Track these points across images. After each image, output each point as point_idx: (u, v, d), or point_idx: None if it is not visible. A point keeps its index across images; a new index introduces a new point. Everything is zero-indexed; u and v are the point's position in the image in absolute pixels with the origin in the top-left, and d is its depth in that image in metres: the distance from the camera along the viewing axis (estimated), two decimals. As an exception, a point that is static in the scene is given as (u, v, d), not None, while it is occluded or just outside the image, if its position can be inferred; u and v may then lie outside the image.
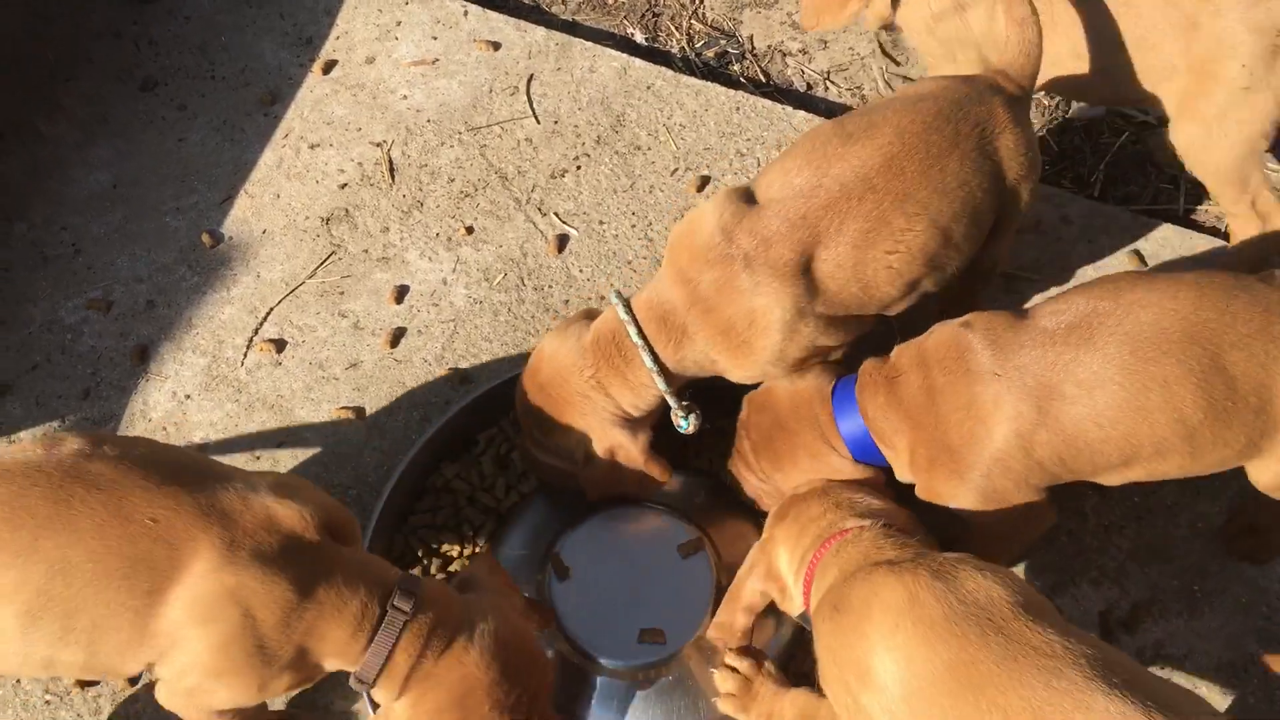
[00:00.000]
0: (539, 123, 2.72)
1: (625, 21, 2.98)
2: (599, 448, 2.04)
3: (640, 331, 1.97)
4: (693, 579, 2.06)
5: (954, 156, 1.92)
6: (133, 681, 2.13)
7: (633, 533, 2.11)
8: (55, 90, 2.80)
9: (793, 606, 1.84)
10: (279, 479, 1.75)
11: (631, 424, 2.04)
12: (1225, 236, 2.53)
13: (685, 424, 2.05)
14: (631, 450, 2.04)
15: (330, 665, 1.73)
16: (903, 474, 1.93)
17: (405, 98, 2.77)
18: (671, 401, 2.01)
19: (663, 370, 1.98)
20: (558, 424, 2.04)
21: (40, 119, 2.76)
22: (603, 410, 2.02)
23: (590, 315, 2.09)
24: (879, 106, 2.00)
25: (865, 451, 1.95)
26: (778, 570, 1.84)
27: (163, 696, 1.76)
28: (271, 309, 2.50)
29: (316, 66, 2.81)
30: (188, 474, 1.70)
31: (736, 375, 2.01)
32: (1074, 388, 1.76)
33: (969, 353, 1.83)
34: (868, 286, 1.93)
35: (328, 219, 2.61)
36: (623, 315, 1.97)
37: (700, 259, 1.93)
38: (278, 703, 2.07)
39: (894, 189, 1.89)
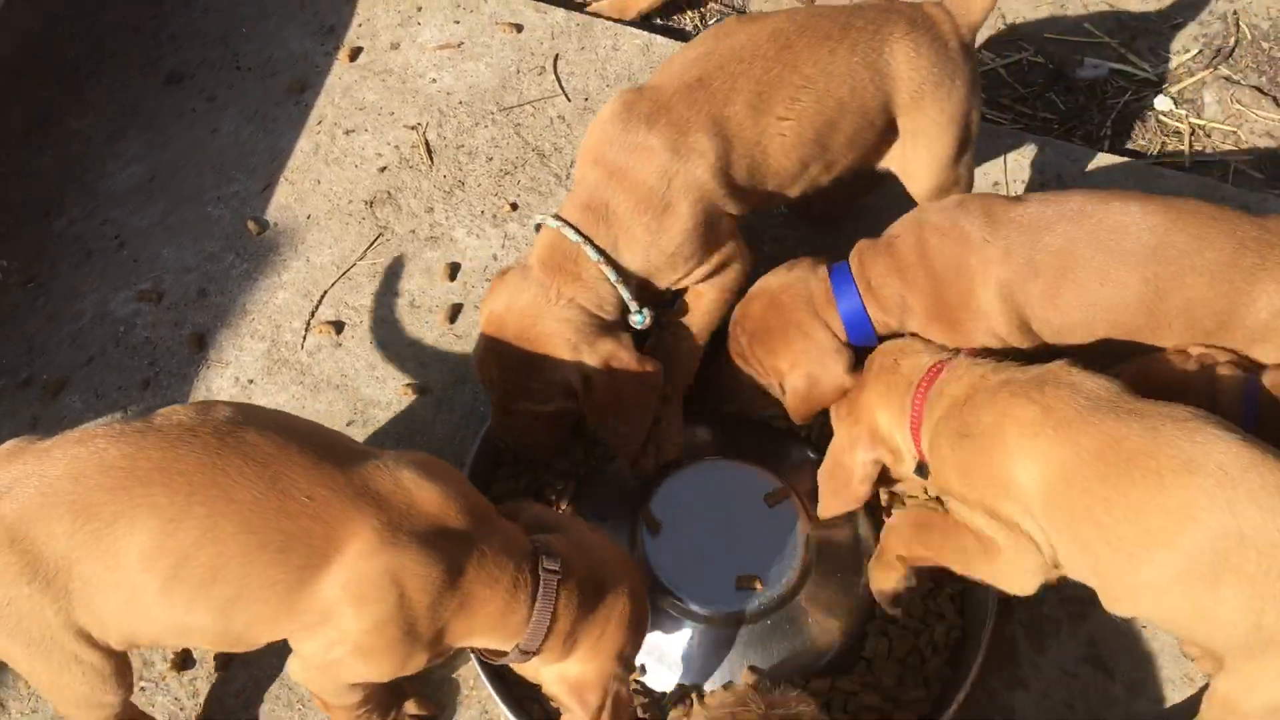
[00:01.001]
0: (569, 100, 2.76)
1: (640, 0, 3.04)
2: (593, 361, 2.03)
3: (575, 229, 2.01)
4: (782, 526, 2.12)
5: (843, 44, 2.06)
6: (223, 665, 2.14)
7: (718, 485, 2.16)
8: (80, 85, 2.78)
9: (906, 465, 1.96)
10: (417, 458, 1.75)
11: (610, 328, 2.07)
12: (1231, 180, 2.67)
13: (640, 319, 2.09)
14: (620, 352, 2.04)
15: (477, 642, 1.74)
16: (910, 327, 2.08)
17: (434, 81, 2.79)
18: (622, 291, 2.05)
19: (606, 258, 2.03)
20: (544, 364, 2.04)
21: (68, 114, 2.74)
22: (581, 324, 2.03)
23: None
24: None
25: (859, 330, 2.08)
26: (881, 432, 1.96)
27: (296, 668, 1.77)
28: (325, 292, 2.51)
29: (343, 54, 2.82)
30: (338, 451, 1.70)
31: (661, 245, 2.05)
32: (1049, 268, 1.94)
33: (965, 221, 1.99)
34: (765, 153, 2.05)
35: (371, 202, 2.63)
36: (553, 224, 2.03)
37: (607, 136, 2.03)
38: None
39: (782, 58, 2.04)
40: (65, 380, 2.41)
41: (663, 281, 2.11)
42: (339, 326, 2.47)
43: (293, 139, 2.71)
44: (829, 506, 2.06)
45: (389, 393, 2.40)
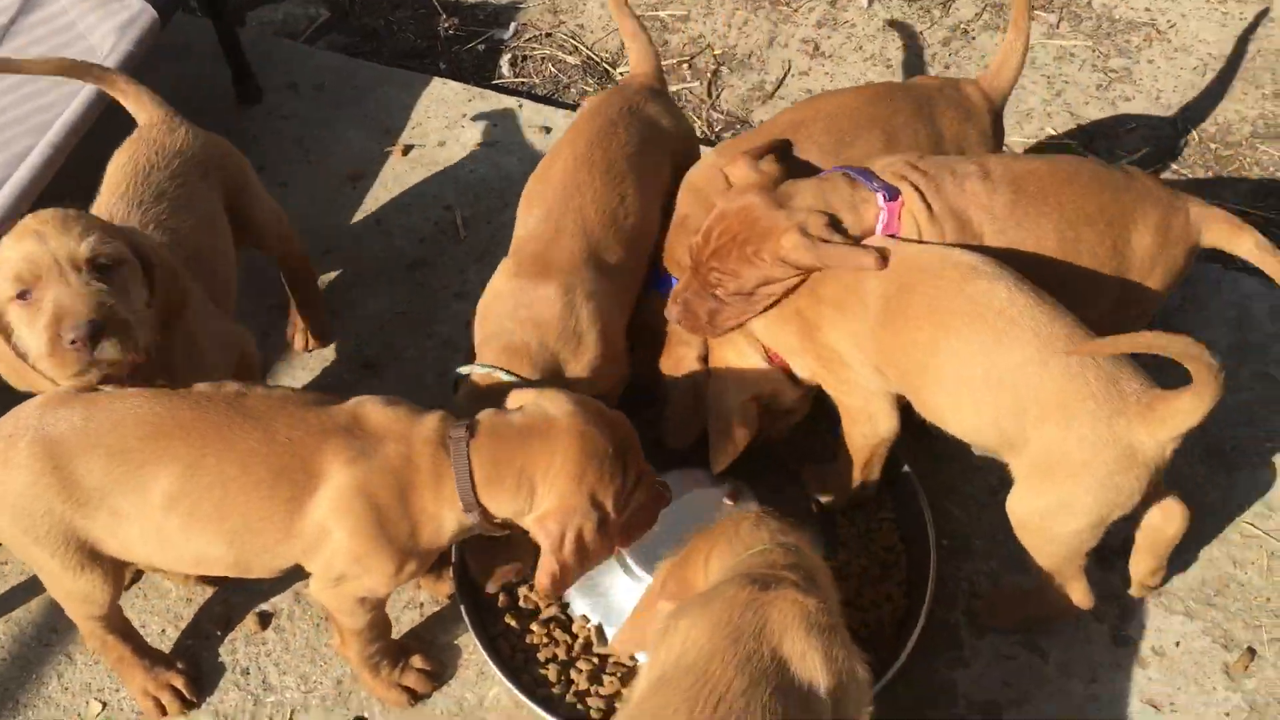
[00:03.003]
0: (587, 186, 3.21)
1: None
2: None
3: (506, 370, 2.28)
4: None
5: (618, 130, 2.51)
6: (263, 622, 2.46)
7: (681, 490, 2.37)
8: (175, 175, 3.30)
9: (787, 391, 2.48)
10: (370, 397, 2.09)
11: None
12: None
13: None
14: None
15: (447, 527, 2.02)
16: None
17: (472, 171, 3.27)
18: None
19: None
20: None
21: (164, 197, 3.24)
22: None
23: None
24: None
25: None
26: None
27: (315, 589, 2.10)
28: (369, 334, 2.93)
29: (396, 150, 3.32)
30: (310, 402, 2.07)
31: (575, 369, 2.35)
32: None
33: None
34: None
35: (411, 266, 3.07)
36: (480, 371, 2.30)
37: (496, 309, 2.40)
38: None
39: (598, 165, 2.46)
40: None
41: None
42: (372, 366, 2.88)
43: (348, 215, 3.18)
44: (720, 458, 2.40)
45: (416, 416, 2.77)
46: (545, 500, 2.01)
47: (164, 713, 2.34)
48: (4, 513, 2.02)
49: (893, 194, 2.24)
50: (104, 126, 2.75)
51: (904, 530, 2.48)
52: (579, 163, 2.46)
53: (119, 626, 2.28)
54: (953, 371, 2.11)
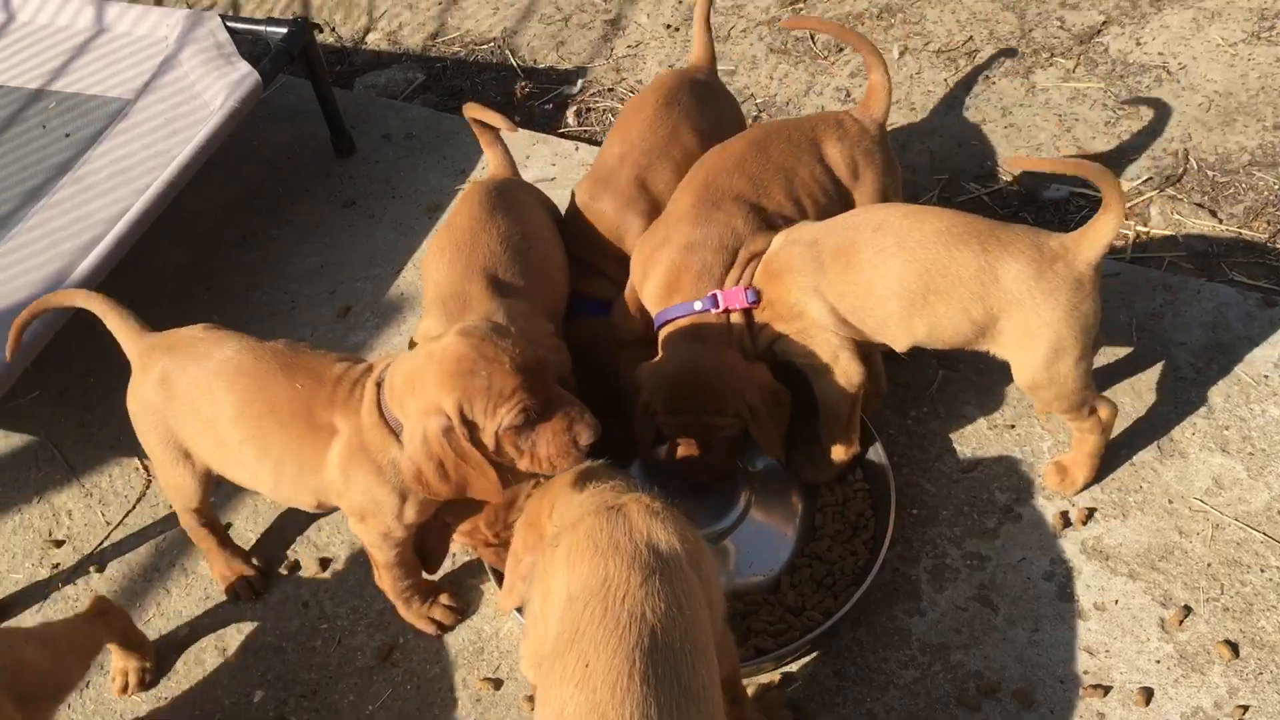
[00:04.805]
0: (629, 215, 3.64)
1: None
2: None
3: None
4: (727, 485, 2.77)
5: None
6: (322, 566, 2.90)
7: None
8: (282, 210, 3.87)
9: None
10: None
11: None
12: (1164, 269, 3.26)
13: None
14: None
15: (395, 454, 2.32)
16: None
17: (531, 203, 3.74)
18: None
19: None
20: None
21: (271, 228, 3.82)
22: None
23: None
24: None
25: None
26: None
27: (351, 526, 2.54)
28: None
29: (467, 186, 3.82)
30: (320, 355, 2.50)
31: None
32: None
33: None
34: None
35: (472, 282, 3.54)
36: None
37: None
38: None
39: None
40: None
41: None
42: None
43: (422, 239, 3.69)
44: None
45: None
46: (413, 408, 2.24)
47: (237, 597, 2.87)
48: (136, 405, 2.59)
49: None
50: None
51: (875, 500, 2.80)
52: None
53: (209, 521, 2.82)
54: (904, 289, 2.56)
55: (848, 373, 2.64)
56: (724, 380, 2.64)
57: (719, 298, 2.67)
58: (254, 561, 2.90)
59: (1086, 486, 2.79)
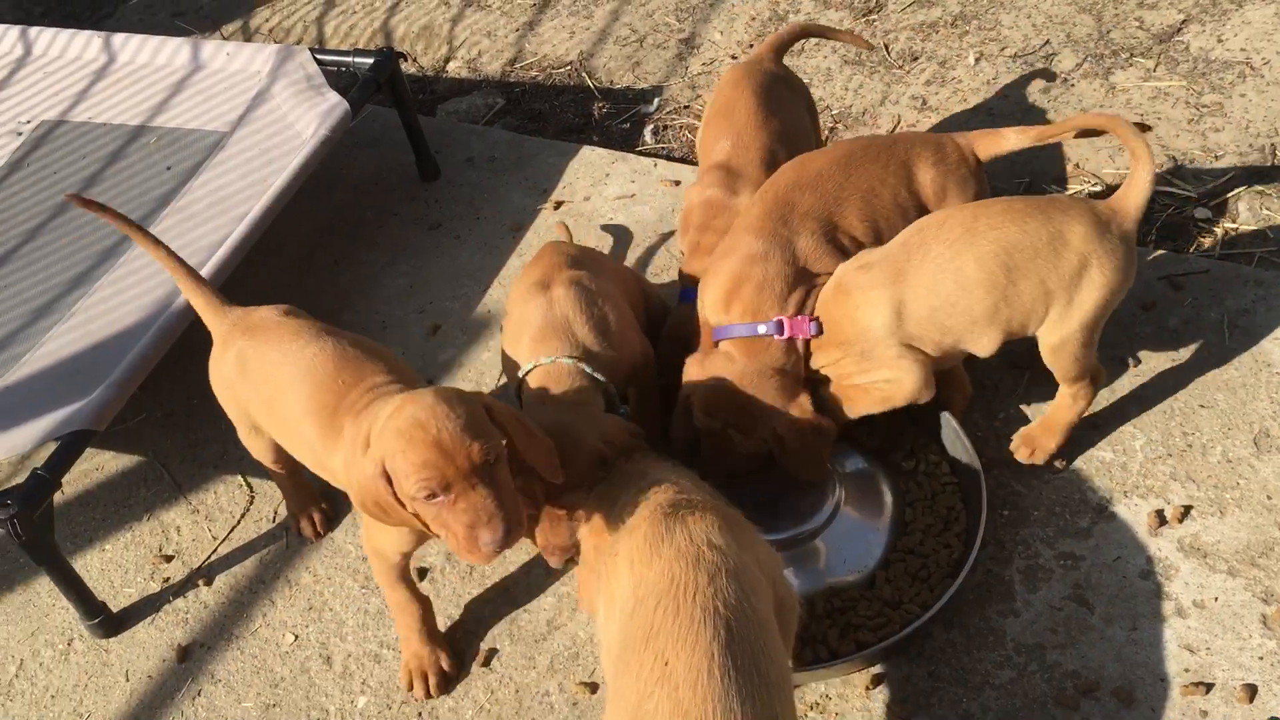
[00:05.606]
0: (709, 228, 3.69)
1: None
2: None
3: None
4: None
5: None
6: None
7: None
8: (371, 234, 3.99)
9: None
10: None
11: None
12: (1255, 265, 3.21)
13: None
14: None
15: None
16: None
17: (612, 219, 3.81)
18: None
19: None
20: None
21: (361, 251, 3.93)
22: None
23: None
24: None
25: None
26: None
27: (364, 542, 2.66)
28: (518, 353, 3.47)
29: (549, 205, 3.91)
30: (372, 361, 2.54)
31: None
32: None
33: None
34: None
35: (557, 298, 3.61)
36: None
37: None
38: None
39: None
40: (338, 410, 3.46)
41: None
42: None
43: (507, 258, 3.77)
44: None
45: (553, 416, 3.28)
46: (371, 445, 2.25)
47: (307, 533, 3.14)
48: (217, 378, 2.74)
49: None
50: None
51: (964, 495, 2.80)
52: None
53: (288, 468, 2.97)
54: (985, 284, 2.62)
55: (912, 373, 2.66)
56: (757, 404, 2.68)
57: (784, 324, 2.70)
58: (322, 504, 3.15)
59: (1054, 458, 2.88)
